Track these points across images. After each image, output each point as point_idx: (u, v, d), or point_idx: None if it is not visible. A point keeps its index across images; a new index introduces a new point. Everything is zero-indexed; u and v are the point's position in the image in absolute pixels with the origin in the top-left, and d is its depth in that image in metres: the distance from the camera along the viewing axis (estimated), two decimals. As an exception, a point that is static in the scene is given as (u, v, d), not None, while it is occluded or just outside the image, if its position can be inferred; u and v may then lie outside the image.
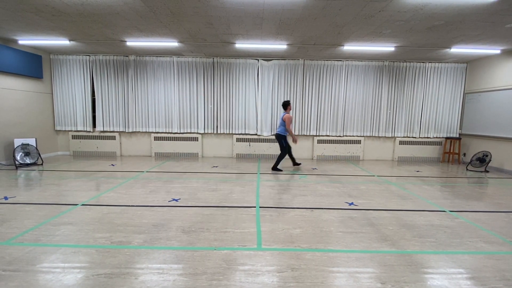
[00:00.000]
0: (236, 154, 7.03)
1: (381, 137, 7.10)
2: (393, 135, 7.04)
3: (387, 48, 5.52)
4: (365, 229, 2.72)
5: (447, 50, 5.59)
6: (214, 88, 6.83)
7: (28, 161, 5.57)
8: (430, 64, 6.79)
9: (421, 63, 6.79)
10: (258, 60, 6.72)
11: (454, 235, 2.65)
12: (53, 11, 3.88)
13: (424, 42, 5.11)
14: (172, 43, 5.47)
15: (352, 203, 3.52)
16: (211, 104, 6.88)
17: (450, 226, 2.85)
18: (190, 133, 6.99)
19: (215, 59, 6.73)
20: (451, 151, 6.90)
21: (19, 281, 1.81)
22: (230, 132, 6.98)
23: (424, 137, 7.06)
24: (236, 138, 6.98)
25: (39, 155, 5.78)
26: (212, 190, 4.00)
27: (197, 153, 7.03)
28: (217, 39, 5.17)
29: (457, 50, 5.54)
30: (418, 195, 3.95)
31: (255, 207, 3.31)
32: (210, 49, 5.93)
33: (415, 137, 7.06)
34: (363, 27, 4.38)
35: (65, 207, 3.21)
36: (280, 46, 5.52)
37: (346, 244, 2.41)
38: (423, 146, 7.07)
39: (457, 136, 7.00)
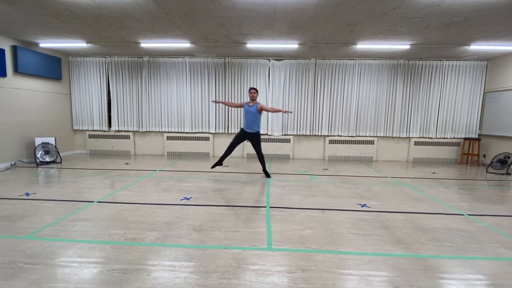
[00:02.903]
0: (247, 154, 7.05)
1: (395, 137, 6.93)
2: (407, 136, 6.86)
3: (402, 46, 5.38)
4: (377, 232, 2.67)
5: (466, 47, 5.38)
6: (225, 88, 6.87)
7: (47, 159, 5.81)
8: (447, 62, 6.57)
9: (438, 61, 6.57)
10: (269, 60, 6.71)
11: (472, 239, 2.55)
12: (71, 14, 4.03)
13: (441, 39, 4.95)
14: (184, 44, 5.55)
15: (364, 205, 3.45)
16: (222, 104, 6.92)
17: (469, 230, 2.74)
18: (202, 132, 7.07)
19: (227, 60, 6.77)
20: (470, 152, 6.64)
21: (39, 274, 1.89)
22: (241, 132, 7.00)
23: (440, 138, 6.83)
24: (247, 138, 6.99)
25: (58, 154, 6.01)
26: (223, 190, 4.03)
27: (208, 153, 7.10)
28: (229, 39, 5.20)
29: (477, 47, 5.32)
30: (434, 198, 3.83)
31: (265, 207, 3.31)
32: (222, 49, 5.98)
33: (431, 138, 6.84)
34: (377, 25, 4.29)
35: (82, 204, 3.32)
36: (292, 45, 5.49)
37: (358, 246, 2.37)
38: (439, 147, 6.84)
39: (476, 136, 6.72)
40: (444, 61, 6.56)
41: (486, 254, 2.28)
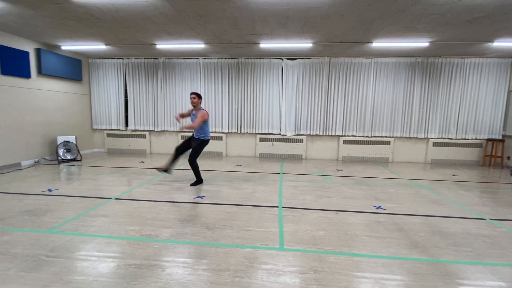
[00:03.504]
0: (259, 153, 7.06)
1: (413, 138, 6.72)
2: (426, 136, 6.63)
3: (421, 43, 5.21)
4: (393, 234, 2.60)
5: (489, 44, 5.14)
6: (238, 88, 6.91)
7: (69, 157, 6.06)
8: (469, 59, 6.29)
9: (459, 59, 6.32)
10: (282, 59, 6.69)
11: (494, 245, 2.43)
12: (91, 18, 4.18)
13: (462, 36, 4.75)
14: (198, 45, 5.63)
15: (379, 207, 3.37)
16: (235, 104, 6.97)
17: (490, 236, 2.62)
18: (215, 132, 7.14)
19: (240, 60, 6.81)
20: (493, 154, 6.33)
21: (60, 267, 1.98)
22: (254, 132, 7.02)
23: (461, 139, 6.56)
24: (260, 138, 7.00)
25: (78, 152, 6.26)
26: (235, 189, 4.05)
27: (221, 152, 7.17)
28: (242, 39, 5.22)
29: (500, 44, 5.07)
30: (454, 201, 3.68)
31: (277, 207, 3.30)
32: (235, 49, 6.01)
33: (451, 139, 6.59)
34: (394, 23, 4.17)
35: (100, 200, 3.44)
36: (305, 44, 5.45)
37: (372, 249, 2.32)
38: (460, 148, 6.57)
39: (500, 137, 6.41)
40: (466, 59, 6.30)
41: (509, 261, 2.17)
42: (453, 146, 6.59)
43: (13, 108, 5.22)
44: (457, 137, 6.57)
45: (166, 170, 4.34)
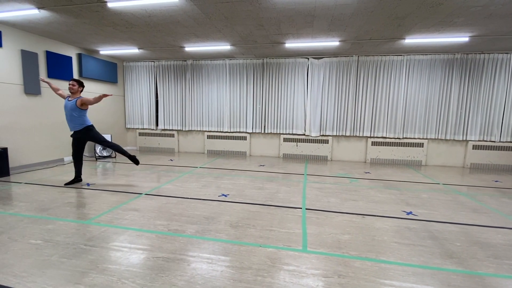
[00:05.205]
0: (283, 154, 7.02)
1: (449, 140, 6.27)
2: (464, 138, 6.15)
3: (459, 38, 4.84)
4: (425, 242, 2.45)
5: (542, 37, 4.63)
6: (263, 88, 6.94)
7: (105, 154, 6.51)
8: (517, 54, 5.73)
9: (504, 54, 5.76)
10: (308, 58, 6.59)
11: (544, 260, 2.19)
12: (126, 24, 4.45)
13: (508, 29, 4.33)
14: (224, 47, 5.74)
15: (410, 212, 3.20)
16: (259, 104, 7.00)
17: (540, 249, 2.37)
18: (239, 132, 7.23)
19: (265, 60, 6.83)
20: (545, 159, 5.70)
21: (96, 255, 2.14)
22: (278, 132, 7.00)
23: (506, 142, 5.99)
24: (283, 138, 6.96)
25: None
26: (259, 188, 4.07)
27: (245, 152, 7.24)
28: (267, 40, 5.24)
29: (556, 36, 4.55)
30: (496, 209, 3.38)
31: (301, 208, 3.26)
32: (260, 50, 6.04)
33: (494, 141, 6.04)
34: (429, 17, 3.92)
35: (132, 195, 3.65)
36: (332, 43, 5.32)
37: (402, 256, 2.21)
38: (504, 152, 6.00)
39: (554, 141, 5.75)
40: (513, 54, 5.74)
41: (563, 279, 1.95)
42: (496, 150, 6.03)
43: (57, 109, 5.72)
44: (501, 140, 6.00)
45: (78, 180, 4.19)
